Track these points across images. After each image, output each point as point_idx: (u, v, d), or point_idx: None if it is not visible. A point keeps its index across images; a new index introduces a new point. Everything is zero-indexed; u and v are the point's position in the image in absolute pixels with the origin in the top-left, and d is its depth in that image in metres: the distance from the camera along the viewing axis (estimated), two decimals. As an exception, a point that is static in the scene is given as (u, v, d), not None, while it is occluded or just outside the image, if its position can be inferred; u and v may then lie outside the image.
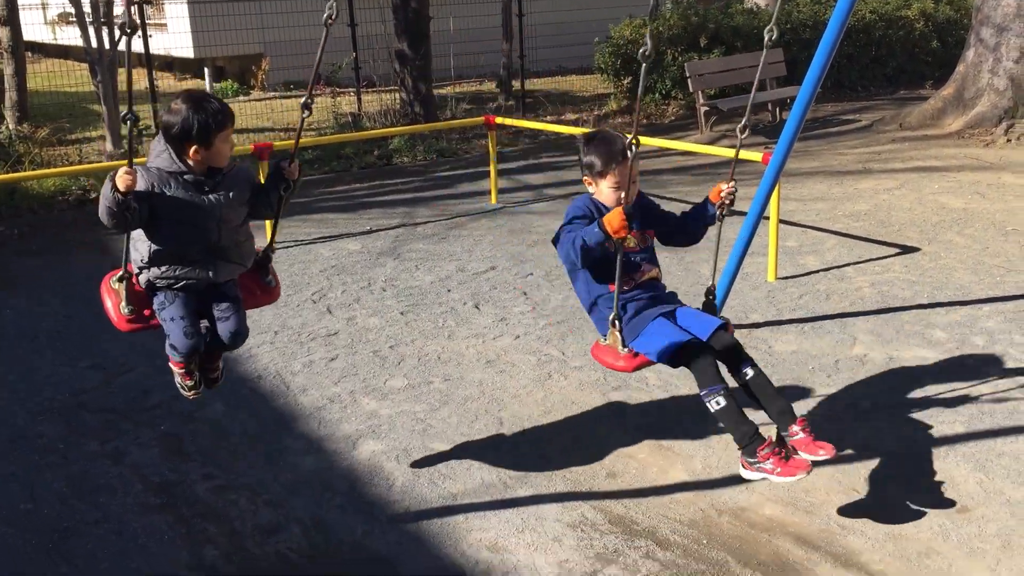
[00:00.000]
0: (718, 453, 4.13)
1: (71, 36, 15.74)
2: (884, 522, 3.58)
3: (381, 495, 3.88)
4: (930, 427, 4.28)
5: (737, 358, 3.49)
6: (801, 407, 4.51)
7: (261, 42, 15.47)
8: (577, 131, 9.21)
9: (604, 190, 3.54)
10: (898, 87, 14.99)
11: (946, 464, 3.97)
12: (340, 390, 4.86)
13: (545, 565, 3.38)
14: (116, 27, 9.91)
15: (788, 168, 9.19)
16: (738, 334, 5.42)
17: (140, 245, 3.34)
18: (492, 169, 8.70)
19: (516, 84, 13.96)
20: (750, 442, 3.32)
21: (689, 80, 11.70)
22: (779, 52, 12.67)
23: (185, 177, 3.27)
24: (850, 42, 14.40)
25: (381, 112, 12.36)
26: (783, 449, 3.31)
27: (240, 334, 3.45)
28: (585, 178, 3.62)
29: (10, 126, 10.82)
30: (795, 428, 3.37)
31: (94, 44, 10.04)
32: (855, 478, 3.90)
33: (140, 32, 10.97)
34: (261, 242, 3.78)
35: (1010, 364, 4.90)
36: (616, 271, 3.35)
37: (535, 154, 10.95)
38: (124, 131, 2.96)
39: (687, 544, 3.50)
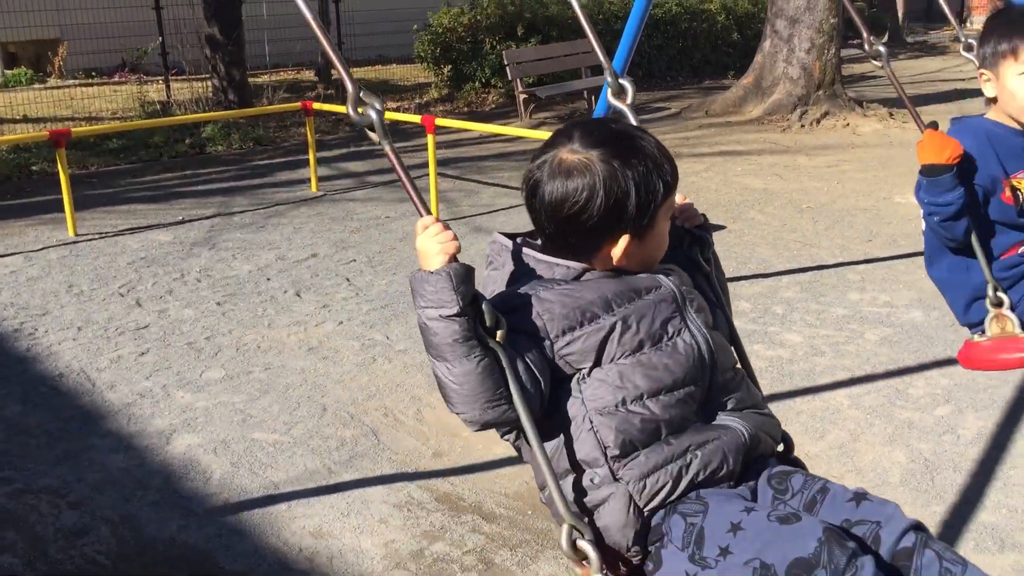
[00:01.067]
0: (541, 426, 4.21)
1: None
2: (696, 481, 3.76)
3: (198, 489, 3.73)
4: (737, 391, 4.53)
5: None
6: (619, 378, 4.66)
7: (58, 25, 14.47)
8: (399, 116, 9.17)
9: (1009, 81, 2.32)
10: (704, 77, 15.77)
11: (751, 424, 4.21)
12: (152, 384, 4.63)
13: (371, 547, 3.35)
14: None
15: (604, 153, 9.50)
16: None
17: (561, 458, 1.69)
18: (311, 157, 8.52)
19: (335, 73, 13.72)
20: None
21: (508, 68, 11.85)
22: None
23: (584, 278, 1.75)
24: (659, 33, 15.02)
25: (193, 100, 11.87)
26: None
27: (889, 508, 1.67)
28: (981, 74, 2.42)
29: None
30: None
31: None
32: (669, 442, 4.07)
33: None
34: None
35: (807, 330, 5.25)
36: (992, 232, 2.41)
37: (356, 142, 10.80)
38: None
39: (512, 516, 3.55)
